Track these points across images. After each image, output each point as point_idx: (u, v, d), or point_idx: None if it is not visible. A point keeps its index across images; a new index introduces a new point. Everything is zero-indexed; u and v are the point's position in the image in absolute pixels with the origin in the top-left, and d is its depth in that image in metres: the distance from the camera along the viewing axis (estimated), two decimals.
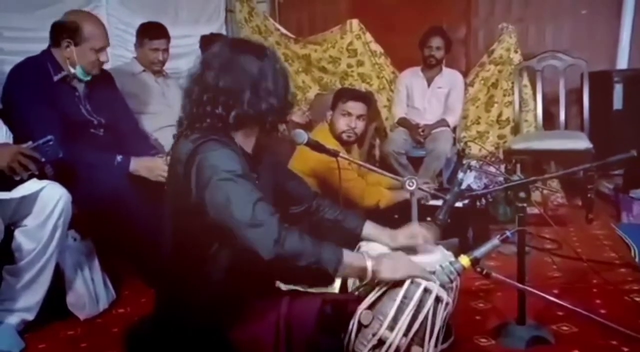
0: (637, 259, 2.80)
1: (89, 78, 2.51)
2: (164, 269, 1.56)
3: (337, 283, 1.75)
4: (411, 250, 1.62)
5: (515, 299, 2.00)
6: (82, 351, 2.03)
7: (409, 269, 1.40)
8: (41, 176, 2.08)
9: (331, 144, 2.49)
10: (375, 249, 1.59)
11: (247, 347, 1.42)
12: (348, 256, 1.36)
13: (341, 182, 2.11)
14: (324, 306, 1.43)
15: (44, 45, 2.49)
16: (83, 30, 2.41)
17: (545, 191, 3.82)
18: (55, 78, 2.42)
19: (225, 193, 1.31)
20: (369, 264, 1.37)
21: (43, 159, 2.02)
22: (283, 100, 1.49)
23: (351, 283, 1.62)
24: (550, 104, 4.21)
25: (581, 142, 3.60)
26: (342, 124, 2.80)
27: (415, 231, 1.65)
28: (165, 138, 2.97)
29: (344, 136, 2.80)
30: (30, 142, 2.01)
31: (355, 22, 4.36)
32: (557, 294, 2.30)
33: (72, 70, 2.45)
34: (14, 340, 2.01)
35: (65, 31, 2.42)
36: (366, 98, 2.95)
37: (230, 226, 1.30)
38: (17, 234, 2.03)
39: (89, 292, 2.28)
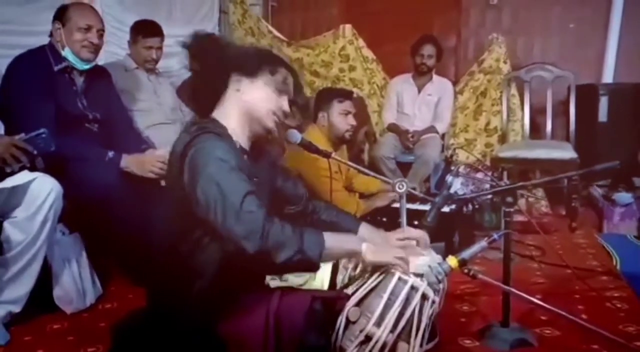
0: (618, 268, 2.86)
1: (85, 67, 2.50)
2: (155, 263, 1.57)
3: (327, 281, 1.77)
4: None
5: (499, 302, 2.03)
6: (69, 344, 2.02)
7: (391, 253, 1.44)
8: (32, 169, 2.07)
9: (323, 145, 2.51)
10: None
11: (236, 342, 1.43)
12: (331, 241, 1.37)
13: (332, 184, 2.13)
14: (313, 302, 1.44)
15: (36, 39, 2.50)
16: (69, 10, 2.43)
17: (530, 199, 3.88)
18: (56, 68, 2.43)
19: (215, 183, 1.32)
20: (356, 245, 1.42)
21: (35, 152, 2.02)
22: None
23: (340, 280, 1.64)
24: (537, 114, 4.28)
25: (567, 152, 3.66)
26: (344, 123, 2.84)
27: (409, 234, 1.68)
28: (156, 135, 2.97)
29: (347, 135, 2.86)
30: (22, 134, 2.01)
31: (348, 28, 4.41)
32: (541, 300, 2.32)
33: (62, 53, 2.44)
34: None
35: (56, 16, 2.45)
36: (352, 95, 3.05)
37: (217, 218, 1.31)
38: (7, 225, 2.02)
39: (77, 286, 2.27)
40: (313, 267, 1.37)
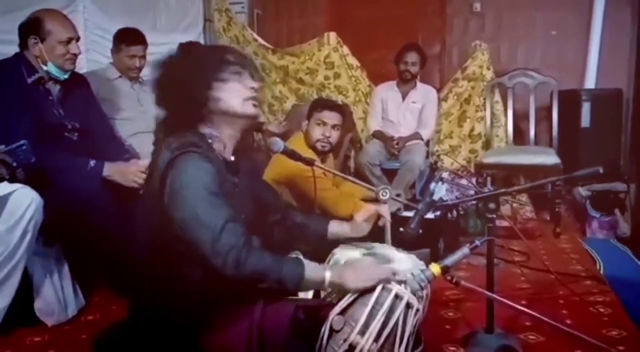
0: (602, 272, 2.88)
1: (65, 76, 2.47)
2: (139, 274, 1.55)
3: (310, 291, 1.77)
4: (384, 259, 1.65)
5: (484, 308, 2.04)
6: None
7: (373, 276, 1.41)
8: (12, 180, 2.04)
9: (306, 153, 2.50)
10: (348, 256, 1.62)
11: None
12: (310, 271, 1.37)
13: (316, 191, 2.13)
14: (296, 312, 1.43)
15: (16, 49, 2.45)
16: (45, 24, 2.37)
17: (514, 205, 3.91)
18: (30, 80, 2.38)
19: (193, 211, 1.33)
20: (327, 277, 1.39)
21: (15, 164, 1.99)
22: None
23: None
24: (520, 120, 4.33)
25: (550, 158, 3.70)
26: (317, 133, 2.81)
27: (368, 211, 1.77)
28: (140, 144, 2.94)
29: (319, 145, 2.82)
30: (2, 146, 1.98)
31: (332, 35, 4.42)
32: (525, 305, 2.35)
33: (45, 68, 2.40)
34: None
35: (29, 29, 2.37)
36: (341, 108, 2.98)
37: (195, 243, 1.33)
38: None
39: (58, 298, 2.24)
40: (291, 294, 1.38)
